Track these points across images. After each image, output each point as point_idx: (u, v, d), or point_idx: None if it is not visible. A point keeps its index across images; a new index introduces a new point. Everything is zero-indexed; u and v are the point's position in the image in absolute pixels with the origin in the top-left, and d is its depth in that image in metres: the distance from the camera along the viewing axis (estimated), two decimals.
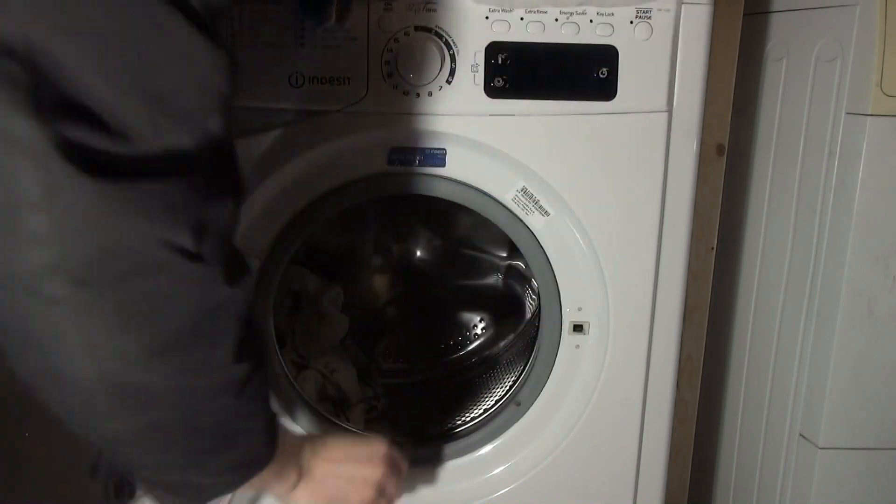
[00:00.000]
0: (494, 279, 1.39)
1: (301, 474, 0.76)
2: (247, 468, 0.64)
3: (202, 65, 0.46)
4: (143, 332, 0.47)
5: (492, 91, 0.94)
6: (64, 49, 0.42)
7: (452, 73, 0.93)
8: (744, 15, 1.10)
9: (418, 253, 1.38)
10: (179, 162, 0.46)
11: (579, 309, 1.05)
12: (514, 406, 1.11)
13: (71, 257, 0.43)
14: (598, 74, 0.94)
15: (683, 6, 0.94)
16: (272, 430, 0.66)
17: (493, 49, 0.92)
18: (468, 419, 1.17)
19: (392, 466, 0.85)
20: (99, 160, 0.43)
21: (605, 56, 0.93)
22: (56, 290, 0.44)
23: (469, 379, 1.35)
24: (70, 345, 0.46)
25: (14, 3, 0.41)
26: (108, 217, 0.43)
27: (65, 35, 0.42)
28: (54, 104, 0.42)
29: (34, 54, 0.41)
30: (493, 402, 1.17)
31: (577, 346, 1.07)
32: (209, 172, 0.48)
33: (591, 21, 0.92)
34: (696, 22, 0.95)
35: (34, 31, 0.41)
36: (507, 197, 1.00)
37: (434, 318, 1.41)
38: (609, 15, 0.92)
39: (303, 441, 0.80)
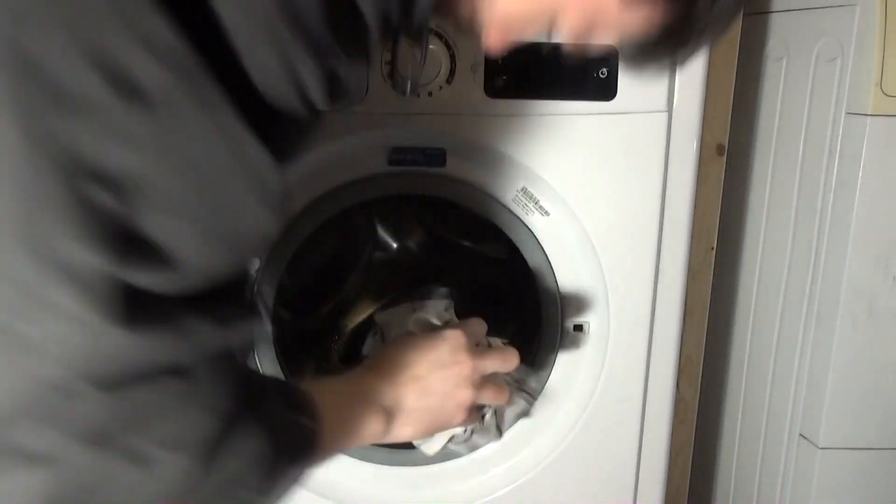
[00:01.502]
0: (494, 279, 1.38)
1: (391, 413, 0.68)
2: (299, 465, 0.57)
3: (267, 223, 0.48)
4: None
5: (492, 91, 0.94)
6: (156, 183, 0.42)
7: (452, 73, 0.93)
8: (744, 15, 1.10)
9: (418, 253, 1.37)
10: (206, 301, 0.46)
11: (579, 309, 1.05)
12: None
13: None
14: (597, 74, 0.94)
15: None
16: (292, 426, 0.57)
17: None
18: None
19: (475, 352, 0.76)
20: (139, 303, 0.43)
21: (605, 56, 0.93)
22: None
23: None
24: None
25: (119, 133, 0.41)
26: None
27: (160, 171, 0.42)
28: (123, 238, 0.42)
29: (126, 186, 0.41)
30: None
31: (577, 346, 1.07)
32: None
33: None
34: None
35: (132, 163, 0.42)
36: (507, 197, 1.00)
37: None
38: None
39: (367, 376, 0.69)
